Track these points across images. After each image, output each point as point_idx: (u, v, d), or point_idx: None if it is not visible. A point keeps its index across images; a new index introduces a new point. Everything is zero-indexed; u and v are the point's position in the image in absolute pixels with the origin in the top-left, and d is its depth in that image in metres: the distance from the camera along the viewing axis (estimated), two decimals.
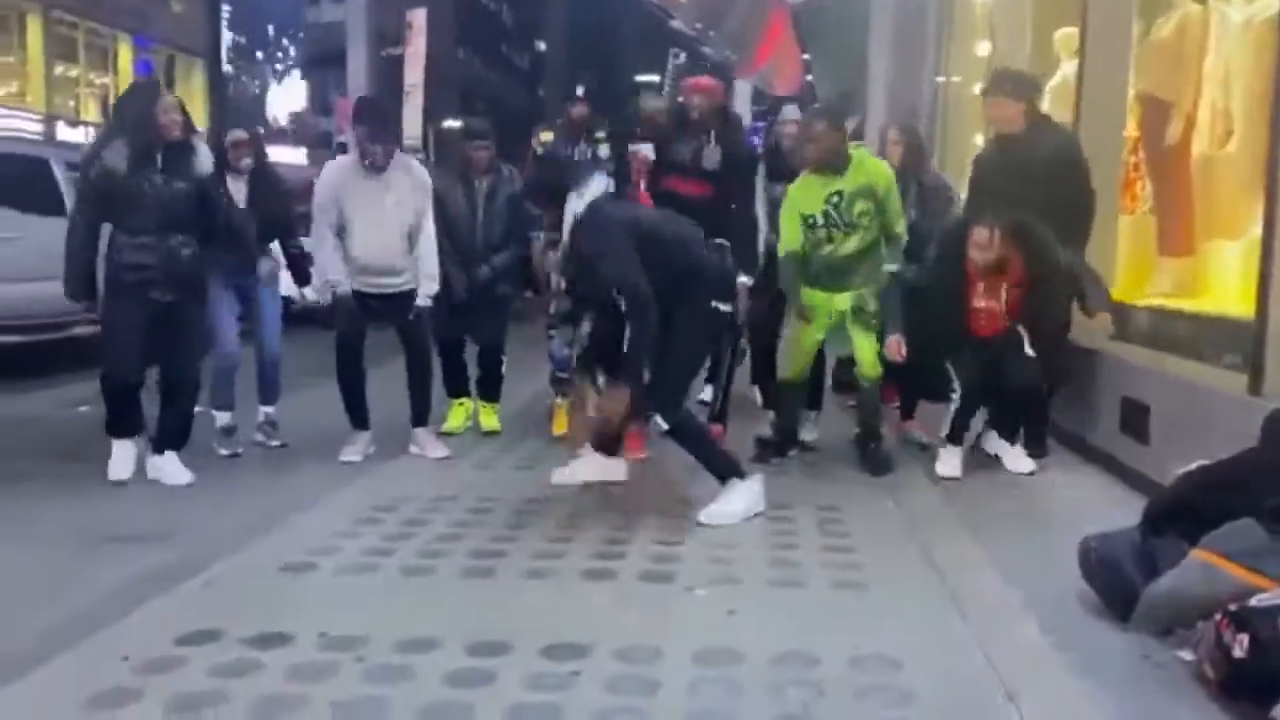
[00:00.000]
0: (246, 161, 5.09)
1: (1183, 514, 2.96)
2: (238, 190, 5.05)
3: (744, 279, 4.86)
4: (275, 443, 5.24)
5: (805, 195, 4.74)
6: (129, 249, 4.35)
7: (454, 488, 4.37)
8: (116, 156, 4.38)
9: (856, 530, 3.85)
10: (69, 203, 7.31)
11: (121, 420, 4.55)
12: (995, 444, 4.94)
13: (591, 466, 4.16)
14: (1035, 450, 4.88)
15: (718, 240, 4.92)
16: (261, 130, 5.25)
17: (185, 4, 34.91)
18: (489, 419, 5.61)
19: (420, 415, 5.10)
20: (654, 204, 5.07)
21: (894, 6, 11.58)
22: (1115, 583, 2.97)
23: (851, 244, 4.72)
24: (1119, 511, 4.14)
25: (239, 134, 5.20)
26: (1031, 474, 4.71)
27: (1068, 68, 6.96)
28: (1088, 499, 4.35)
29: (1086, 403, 5.08)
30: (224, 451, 5.07)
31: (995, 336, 4.78)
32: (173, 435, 4.59)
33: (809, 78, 22.08)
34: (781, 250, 4.85)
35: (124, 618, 2.93)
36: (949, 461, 4.76)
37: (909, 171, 5.22)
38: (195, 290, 4.56)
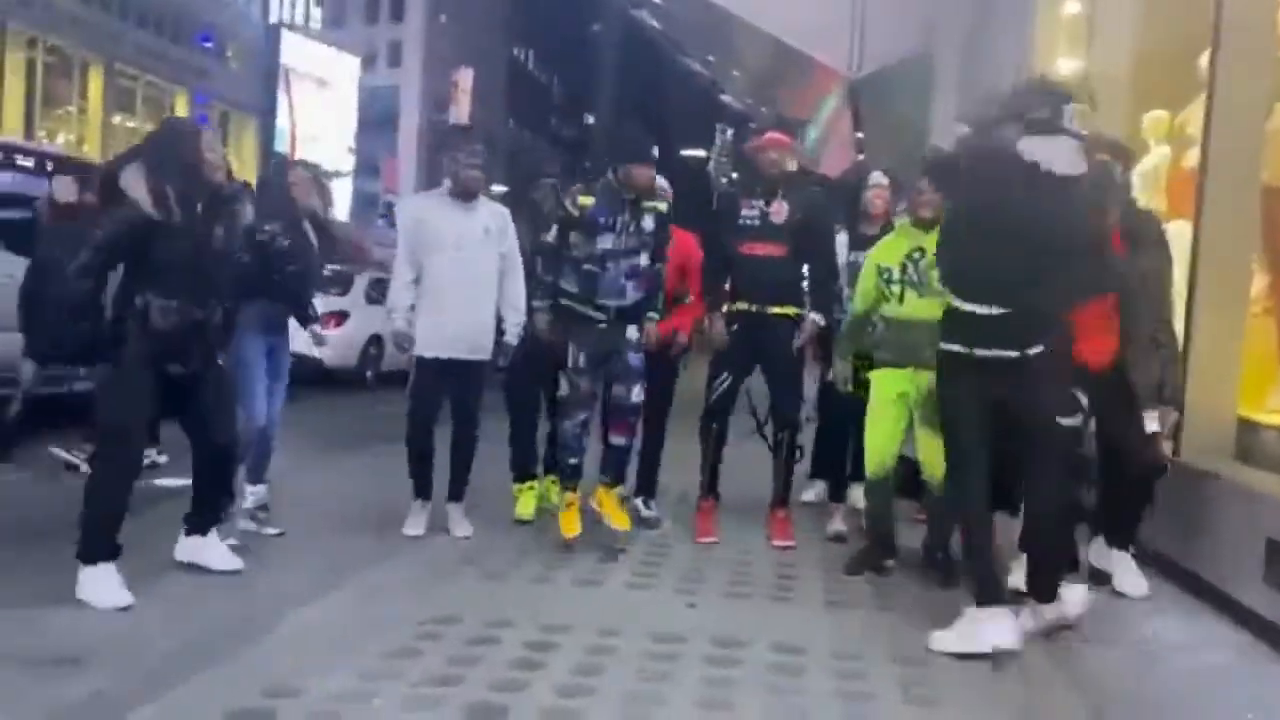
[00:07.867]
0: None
1: None
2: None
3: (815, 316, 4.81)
4: (271, 530, 4.55)
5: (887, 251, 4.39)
6: (160, 312, 3.62)
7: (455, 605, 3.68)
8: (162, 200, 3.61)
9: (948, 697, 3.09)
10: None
11: (112, 536, 3.59)
12: (1102, 553, 4.26)
13: None
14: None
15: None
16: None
17: (242, 62, 35.78)
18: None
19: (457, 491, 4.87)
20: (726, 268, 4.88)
21: (959, 81, 11.03)
22: None
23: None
24: (1268, 685, 3.38)
25: (301, 172, 4.72)
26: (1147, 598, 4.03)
27: (1157, 153, 6.37)
28: (1226, 666, 3.55)
29: (1208, 536, 4.27)
30: (270, 530, 4.57)
31: (1102, 374, 3.87)
32: (216, 514, 4.03)
33: (860, 156, 21.73)
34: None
35: None
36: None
37: None
38: (217, 355, 3.91)
